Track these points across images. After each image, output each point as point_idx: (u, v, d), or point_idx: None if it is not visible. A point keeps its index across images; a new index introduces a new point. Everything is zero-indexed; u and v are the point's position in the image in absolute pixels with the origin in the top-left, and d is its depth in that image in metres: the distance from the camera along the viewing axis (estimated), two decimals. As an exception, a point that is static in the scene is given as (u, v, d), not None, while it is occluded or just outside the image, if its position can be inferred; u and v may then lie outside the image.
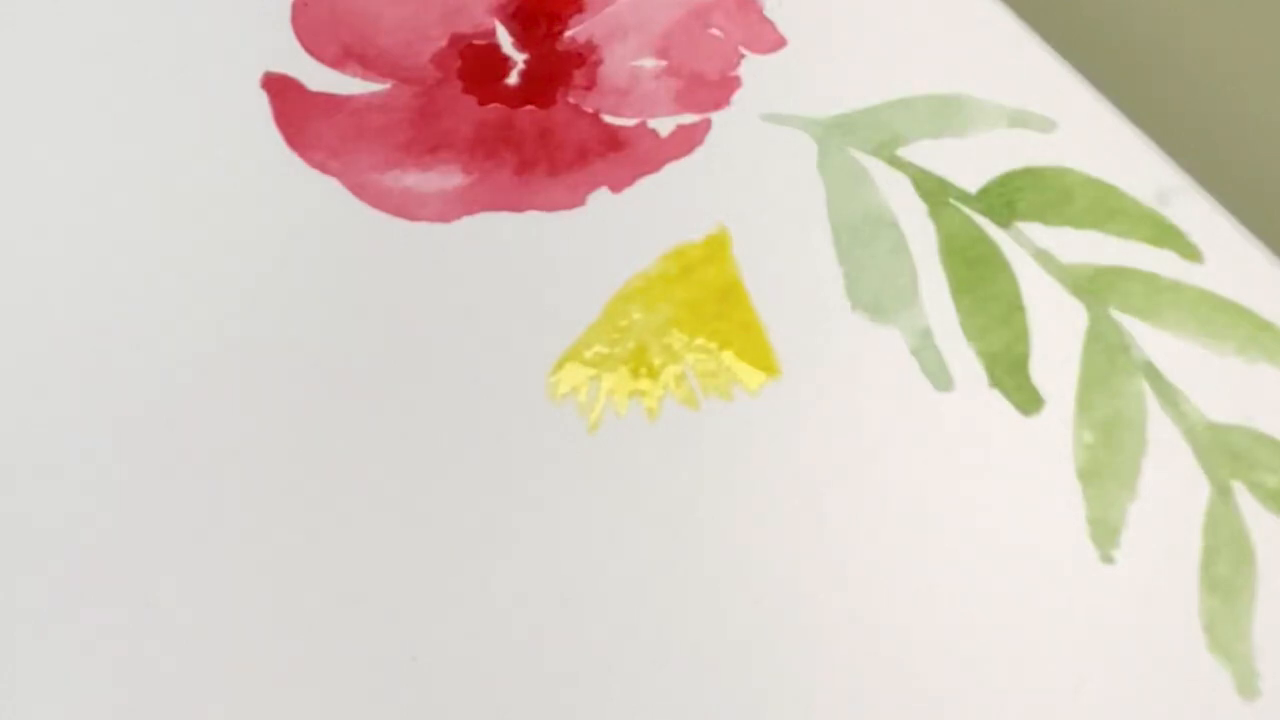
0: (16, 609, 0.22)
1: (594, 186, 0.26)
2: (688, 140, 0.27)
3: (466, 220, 0.26)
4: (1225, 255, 0.25)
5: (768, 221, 0.26)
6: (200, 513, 0.23)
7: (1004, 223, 0.26)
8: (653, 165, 0.27)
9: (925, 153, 0.26)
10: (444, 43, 0.28)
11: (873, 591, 0.22)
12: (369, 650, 0.22)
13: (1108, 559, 0.23)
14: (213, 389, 0.24)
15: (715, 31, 0.28)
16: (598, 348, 0.25)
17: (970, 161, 0.26)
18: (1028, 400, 0.24)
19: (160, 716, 0.22)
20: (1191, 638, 0.22)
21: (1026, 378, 0.24)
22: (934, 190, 0.26)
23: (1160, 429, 0.24)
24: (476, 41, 0.28)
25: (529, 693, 0.22)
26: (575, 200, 0.26)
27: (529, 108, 0.27)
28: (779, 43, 0.28)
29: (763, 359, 0.25)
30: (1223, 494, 0.23)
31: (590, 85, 0.28)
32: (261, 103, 0.27)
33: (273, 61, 0.28)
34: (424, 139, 0.27)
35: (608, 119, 0.27)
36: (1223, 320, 0.25)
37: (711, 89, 0.28)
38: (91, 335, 0.25)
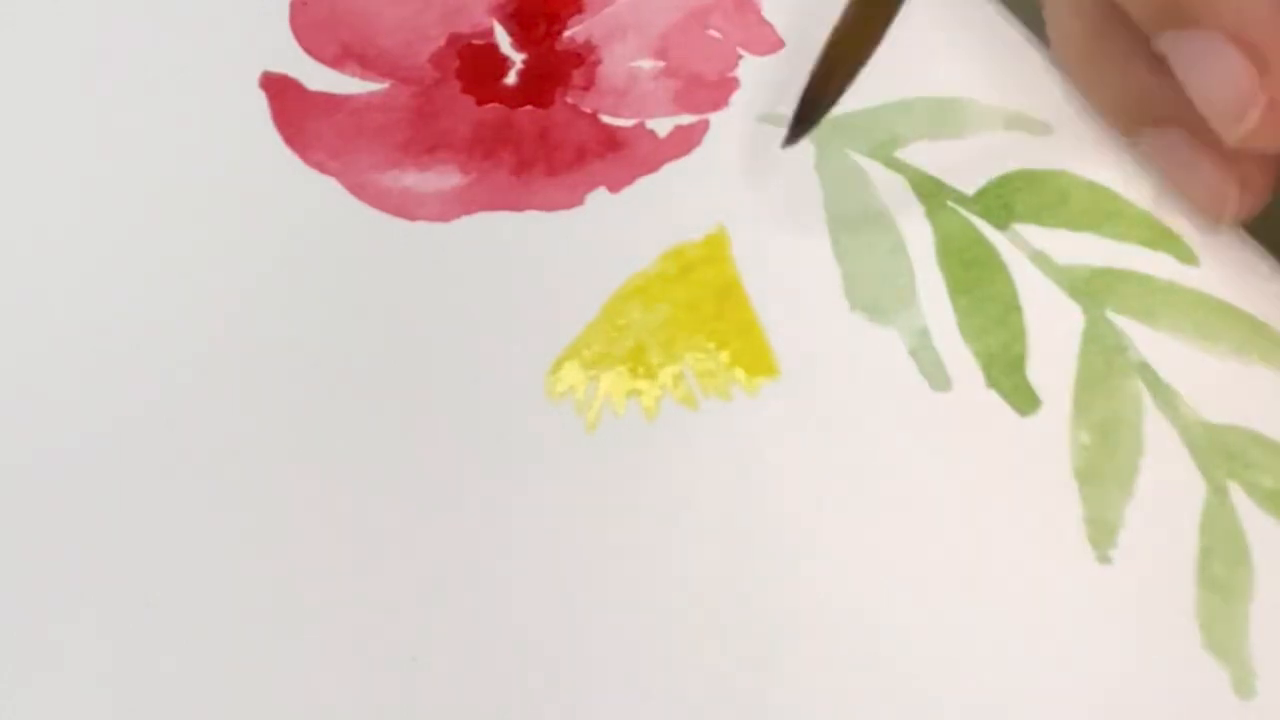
0: (16, 609, 0.22)
1: (592, 186, 0.27)
2: (686, 141, 0.27)
3: (465, 220, 0.26)
4: (1221, 257, 0.25)
5: (766, 222, 0.26)
6: (200, 513, 0.23)
7: (1001, 224, 0.26)
8: (651, 165, 0.27)
9: (923, 154, 0.27)
10: (442, 43, 0.28)
11: (872, 591, 0.22)
12: (369, 650, 0.22)
13: (1105, 559, 0.23)
14: (213, 389, 0.24)
15: (714, 33, 0.28)
16: (596, 347, 0.25)
17: (967, 163, 0.26)
18: (1025, 401, 0.24)
19: (160, 716, 0.22)
20: (1188, 637, 0.22)
21: (1023, 378, 0.24)
22: (931, 192, 0.26)
23: (1157, 429, 0.24)
24: (475, 41, 0.28)
25: (529, 693, 0.22)
26: (574, 200, 0.26)
27: (527, 108, 0.27)
28: (777, 44, 0.28)
29: (761, 359, 0.25)
30: (1219, 494, 0.23)
31: (589, 85, 0.28)
32: (261, 102, 0.27)
33: (272, 61, 0.28)
34: (422, 139, 0.27)
35: (606, 119, 0.27)
36: (1219, 322, 0.25)
37: (710, 90, 0.28)
38: (91, 335, 0.25)
